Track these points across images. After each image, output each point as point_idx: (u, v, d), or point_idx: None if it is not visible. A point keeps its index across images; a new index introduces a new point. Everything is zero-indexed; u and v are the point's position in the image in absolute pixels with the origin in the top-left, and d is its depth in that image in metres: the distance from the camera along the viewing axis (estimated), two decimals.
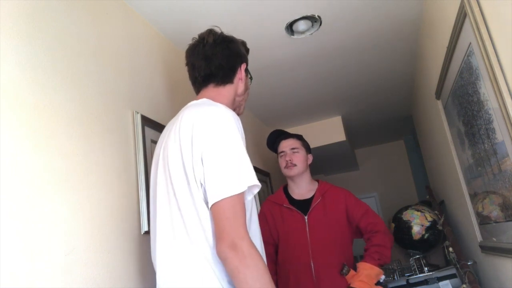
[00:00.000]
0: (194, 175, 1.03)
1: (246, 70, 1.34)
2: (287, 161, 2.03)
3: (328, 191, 2.02)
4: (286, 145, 2.08)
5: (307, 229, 1.92)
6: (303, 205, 2.00)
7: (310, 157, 2.12)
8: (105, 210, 1.20)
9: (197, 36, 1.30)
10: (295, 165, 2.01)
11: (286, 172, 2.05)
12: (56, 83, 1.12)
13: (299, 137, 2.13)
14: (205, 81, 1.26)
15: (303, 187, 2.07)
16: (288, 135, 2.13)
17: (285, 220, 1.98)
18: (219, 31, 1.29)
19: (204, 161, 1.02)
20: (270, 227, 2.00)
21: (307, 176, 2.08)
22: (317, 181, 2.12)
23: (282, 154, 2.08)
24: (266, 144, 2.20)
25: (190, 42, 1.32)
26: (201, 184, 1.02)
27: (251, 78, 1.40)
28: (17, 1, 1.03)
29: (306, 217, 1.95)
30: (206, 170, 1.01)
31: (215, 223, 0.98)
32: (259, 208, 2.64)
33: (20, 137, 0.95)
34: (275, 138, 2.15)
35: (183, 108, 1.21)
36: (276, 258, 2.00)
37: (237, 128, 1.07)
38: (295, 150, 2.05)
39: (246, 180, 1.01)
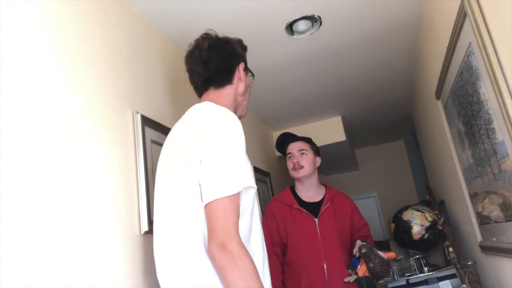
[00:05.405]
0: (193, 175, 1.04)
1: (246, 69, 1.34)
2: (294, 163, 2.07)
3: (336, 196, 2.10)
4: (294, 147, 2.12)
5: (318, 231, 1.95)
6: (313, 208, 2.03)
7: (318, 160, 2.16)
8: (105, 209, 1.20)
9: (193, 42, 1.31)
10: (302, 167, 2.06)
11: (294, 174, 2.09)
12: (56, 83, 1.12)
13: (307, 140, 2.17)
14: (205, 86, 1.27)
15: (311, 190, 2.11)
16: (296, 138, 2.16)
17: (296, 221, 2.00)
18: (214, 34, 1.30)
19: (202, 161, 1.03)
20: (278, 227, 2.01)
21: (315, 179, 2.13)
22: (324, 185, 2.17)
23: (290, 155, 2.12)
24: (275, 146, 2.25)
25: (190, 42, 1.33)
26: (199, 184, 1.03)
27: (252, 75, 1.40)
28: (16, 2, 1.03)
29: (316, 220, 1.98)
30: (203, 170, 1.02)
31: (207, 222, 0.99)
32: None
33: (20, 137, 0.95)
34: (284, 140, 2.20)
35: (187, 111, 1.23)
36: (284, 258, 2.01)
37: (237, 131, 1.08)
38: (303, 152, 2.09)
39: (241, 181, 1.02)
